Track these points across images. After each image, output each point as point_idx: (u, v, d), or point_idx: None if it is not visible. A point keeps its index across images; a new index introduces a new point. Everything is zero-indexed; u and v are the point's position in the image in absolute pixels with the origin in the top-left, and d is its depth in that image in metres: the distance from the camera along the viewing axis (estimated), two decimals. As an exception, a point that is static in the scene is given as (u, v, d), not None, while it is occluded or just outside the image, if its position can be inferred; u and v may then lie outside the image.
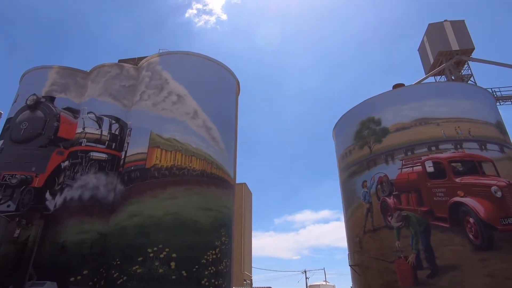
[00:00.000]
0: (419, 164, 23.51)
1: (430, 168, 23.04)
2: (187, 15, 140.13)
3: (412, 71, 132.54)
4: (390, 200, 23.85)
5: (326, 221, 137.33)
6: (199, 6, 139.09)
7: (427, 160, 23.35)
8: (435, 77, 42.03)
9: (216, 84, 30.59)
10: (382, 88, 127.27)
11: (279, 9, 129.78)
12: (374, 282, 23.36)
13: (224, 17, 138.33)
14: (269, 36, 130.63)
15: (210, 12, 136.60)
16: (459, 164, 22.71)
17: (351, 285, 28.20)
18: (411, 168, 23.70)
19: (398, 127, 25.47)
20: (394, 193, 23.87)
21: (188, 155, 26.06)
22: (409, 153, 24.24)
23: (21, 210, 25.41)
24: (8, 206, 25.44)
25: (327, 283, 39.60)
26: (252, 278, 46.11)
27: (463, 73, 39.78)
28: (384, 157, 25.36)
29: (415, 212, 22.52)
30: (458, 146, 23.29)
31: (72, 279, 22.74)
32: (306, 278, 64.06)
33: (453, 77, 39.15)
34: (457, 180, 22.14)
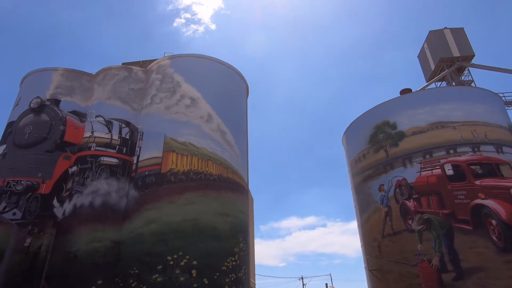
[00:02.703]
0: (438, 167, 23.70)
1: (449, 171, 23.25)
2: (175, 24, 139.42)
3: (397, 82, 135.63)
4: (410, 203, 23.89)
5: (312, 227, 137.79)
6: (188, 15, 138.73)
7: (446, 163, 23.57)
8: (436, 83, 42.91)
9: (228, 88, 30.21)
10: (368, 97, 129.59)
11: (266, 19, 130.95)
12: (395, 286, 23.22)
13: (213, 26, 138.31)
14: (256, 46, 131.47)
15: (198, 22, 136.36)
16: (478, 166, 23.01)
17: (367, 290, 28.04)
18: (431, 171, 23.86)
19: (415, 130, 25.69)
20: (413, 196, 23.94)
21: (205, 159, 25.46)
22: (428, 156, 24.43)
23: (27, 218, 24.12)
24: (14, 214, 24.12)
25: (334, 289, 39.38)
26: (255, 284, 45.37)
27: (463, 79, 40.76)
28: (401, 161, 25.47)
29: (436, 214, 22.61)
30: (476, 149, 23.64)
31: (85, 289, 21.65)
32: (303, 284, 63.68)
33: (454, 83, 40.06)
34: (477, 182, 22.40)
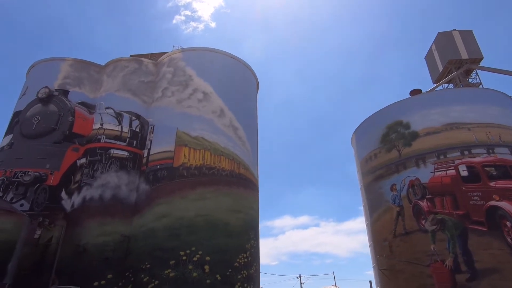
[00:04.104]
0: (453, 168, 23.66)
1: (464, 172, 23.22)
2: (174, 21, 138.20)
3: (396, 84, 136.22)
4: (423, 204, 23.84)
5: (305, 226, 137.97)
6: (188, 12, 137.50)
7: (461, 164, 23.55)
8: (443, 85, 42.98)
9: (240, 83, 29.91)
10: (367, 99, 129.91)
11: (266, 19, 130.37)
12: (407, 286, 23.18)
13: (213, 25, 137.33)
14: (256, 45, 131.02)
15: (198, 19, 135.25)
16: (493, 168, 23.02)
17: (376, 289, 28.00)
18: (445, 172, 23.82)
19: (429, 131, 25.63)
20: (427, 196, 23.88)
21: (217, 154, 25.15)
22: (442, 157, 24.38)
23: (35, 210, 23.61)
24: (22, 205, 23.60)
25: (337, 287, 39.38)
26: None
27: (471, 82, 40.88)
28: (414, 161, 25.41)
29: (450, 215, 22.58)
30: (490, 151, 23.65)
31: (95, 283, 21.24)
32: (301, 283, 63.72)
33: (461, 85, 40.14)
34: (492, 184, 22.41)
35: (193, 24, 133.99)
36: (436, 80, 42.87)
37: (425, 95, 28.71)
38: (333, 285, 40.57)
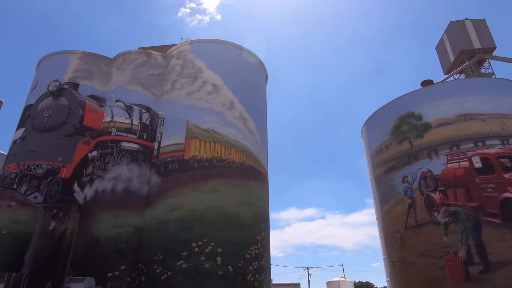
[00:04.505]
0: (466, 159, 23.35)
1: (477, 164, 22.92)
2: (179, 14, 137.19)
3: (405, 75, 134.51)
4: (436, 196, 23.62)
5: (311, 219, 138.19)
6: (193, 5, 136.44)
7: (474, 155, 23.22)
8: (454, 75, 42.26)
9: (249, 74, 29.69)
10: (375, 92, 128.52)
11: (272, 11, 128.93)
12: (418, 278, 23.12)
13: (218, 17, 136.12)
14: (261, 37, 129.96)
15: (204, 12, 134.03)
16: (507, 160, 22.68)
17: (387, 280, 27.99)
18: (458, 164, 23.52)
19: (441, 122, 25.26)
20: (439, 188, 23.65)
21: (228, 146, 25.12)
22: (455, 148, 24.06)
23: (49, 202, 23.91)
24: (35, 197, 23.91)
25: (346, 279, 39.48)
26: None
27: (483, 72, 40.10)
28: (427, 152, 25.12)
29: (463, 207, 22.36)
30: (505, 142, 23.27)
31: (109, 274, 21.53)
32: (308, 274, 64.10)
33: (473, 76, 39.41)
34: (506, 175, 22.10)
35: (199, 16, 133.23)
36: (447, 70, 42.14)
37: (438, 85, 28.27)
38: (342, 277, 40.69)
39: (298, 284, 42.17)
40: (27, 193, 23.84)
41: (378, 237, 29.62)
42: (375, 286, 66.37)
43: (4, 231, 16.90)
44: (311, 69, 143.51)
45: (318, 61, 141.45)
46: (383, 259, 28.53)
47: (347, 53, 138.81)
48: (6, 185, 21.65)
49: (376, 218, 30.06)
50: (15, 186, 23.54)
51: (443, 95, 26.37)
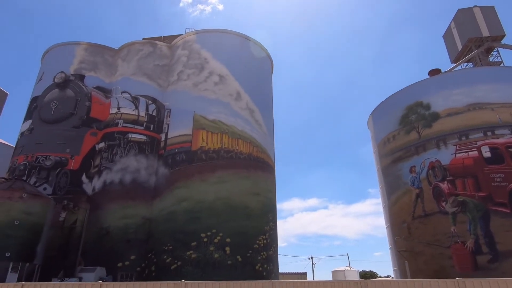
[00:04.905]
0: (475, 149, 23.22)
1: (486, 153, 22.78)
2: (181, 4, 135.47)
3: (406, 65, 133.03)
4: (444, 185, 23.57)
5: (314, 209, 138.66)
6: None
7: (484, 145, 23.07)
8: (462, 64, 41.69)
9: (255, 64, 29.44)
10: (378, 82, 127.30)
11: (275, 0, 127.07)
12: (426, 267, 23.23)
13: (220, 7, 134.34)
14: (264, 27, 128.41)
15: (205, 2, 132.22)
16: (517, 149, 22.50)
17: (393, 270, 28.19)
18: (466, 153, 23.40)
19: (450, 112, 25.04)
20: (448, 178, 23.58)
21: (235, 137, 25.09)
22: (463, 138, 23.90)
23: (58, 193, 24.09)
24: (45, 189, 24.07)
25: (351, 268, 39.79)
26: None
27: (491, 60, 39.52)
28: (435, 142, 24.98)
29: (472, 197, 22.31)
30: (515, 132, 23.06)
31: (119, 264, 21.82)
32: (312, 264, 64.63)
33: (481, 64, 38.87)
34: (516, 165, 21.96)
35: (200, 6, 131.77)
36: (455, 59, 41.53)
37: (447, 74, 27.94)
38: (347, 266, 40.98)
39: (305, 274, 42.62)
40: (36, 185, 23.99)
41: (381, 227, 29.78)
42: (379, 275, 66.90)
43: (17, 222, 17.08)
44: (315, 59, 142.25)
45: (322, 51, 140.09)
46: (390, 248, 28.68)
47: (351, 43, 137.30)
48: (16, 177, 21.77)
49: (383, 208, 30.11)
50: (24, 178, 23.70)
51: (452, 84, 26.08)
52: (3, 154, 31.97)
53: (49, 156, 25.31)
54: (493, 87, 24.62)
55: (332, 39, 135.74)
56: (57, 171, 24.96)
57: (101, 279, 20.08)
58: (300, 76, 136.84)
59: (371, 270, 69.15)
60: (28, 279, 17.60)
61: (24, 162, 25.19)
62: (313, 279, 45.63)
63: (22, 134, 27.34)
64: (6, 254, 16.42)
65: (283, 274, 40.36)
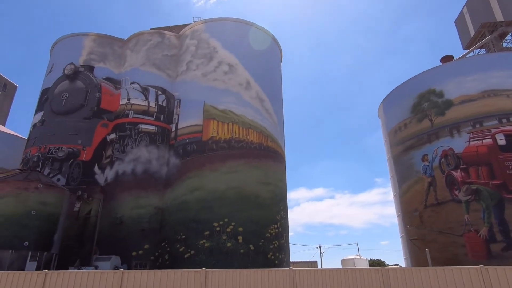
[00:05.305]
0: (489, 136, 22.87)
1: (501, 141, 22.43)
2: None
3: (415, 53, 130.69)
4: (457, 174, 23.33)
5: (320, 198, 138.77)
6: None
7: (498, 132, 22.71)
8: (474, 51, 40.81)
9: (264, 53, 29.12)
10: (386, 71, 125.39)
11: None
12: (439, 256, 23.17)
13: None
14: (269, 16, 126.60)
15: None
16: (533, 136, 22.12)
17: (404, 258, 28.21)
18: (481, 141, 23.06)
19: (464, 99, 24.62)
20: (461, 166, 23.32)
21: (245, 127, 25.02)
22: (477, 126, 23.53)
23: (71, 184, 24.38)
24: (58, 180, 24.36)
25: (361, 257, 39.96)
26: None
27: (505, 46, 38.62)
28: (448, 130, 24.64)
29: (486, 185, 22.08)
30: (531, 119, 22.63)
31: (133, 253, 22.15)
32: (320, 252, 65.08)
33: (495, 50, 37.99)
34: (531, 153, 21.60)
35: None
36: (467, 45, 40.66)
37: (461, 61, 27.36)
38: (356, 255, 41.10)
39: (315, 262, 42.93)
40: (50, 176, 24.30)
41: (387, 216, 29.74)
42: (387, 263, 67.20)
43: (34, 212, 17.35)
44: (321, 48, 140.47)
45: (329, 39, 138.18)
46: (401, 237, 28.65)
47: (358, 31, 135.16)
48: (31, 168, 22.04)
49: (394, 197, 29.98)
50: (38, 169, 23.98)
51: (466, 71, 25.56)
52: (15, 146, 32.30)
53: (62, 147, 25.56)
54: (508, 73, 24.08)
55: (339, 29, 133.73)
56: (69, 162, 25.22)
57: (116, 267, 20.41)
58: (306, 66, 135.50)
59: (379, 258, 69.47)
60: (46, 267, 17.96)
61: (37, 154, 25.48)
62: (321, 267, 45.92)
63: (34, 126, 27.59)
64: (24, 244, 16.74)
65: (293, 262, 40.67)
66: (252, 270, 9.91)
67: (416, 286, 8.93)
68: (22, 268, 16.50)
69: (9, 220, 16.76)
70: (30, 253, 16.79)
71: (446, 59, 32.22)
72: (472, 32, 39.96)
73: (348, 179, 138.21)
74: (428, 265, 19.10)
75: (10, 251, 16.27)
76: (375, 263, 65.46)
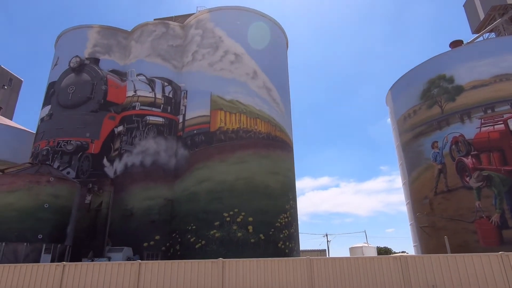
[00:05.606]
0: (501, 122, 22.51)
1: (514, 126, 22.06)
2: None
3: (419, 40, 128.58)
4: (468, 160, 23.07)
5: (325, 187, 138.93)
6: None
7: (511, 118, 22.33)
8: (484, 35, 39.96)
9: (270, 42, 28.72)
10: (391, 58, 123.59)
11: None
12: (449, 242, 23.08)
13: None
14: (272, 3, 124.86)
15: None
16: (546, 121, 21.73)
17: (414, 245, 28.22)
18: (492, 127, 22.72)
19: (475, 84, 24.17)
20: (472, 153, 23.04)
21: (253, 117, 24.87)
22: (489, 111, 23.16)
23: (81, 177, 24.53)
24: (68, 173, 24.52)
25: (369, 245, 40.13)
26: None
27: (515, 29, 37.72)
28: (459, 116, 24.29)
29: (498, 171, 21.83)
30: (544, 103, 22.20)
31: (145, 244, 22.35)
32: (327, 241, 65.47)
33: (506, 34, 37.17)
34: (545, 138, 21.25)
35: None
36: (476, 29, 39.80)
37: (471, 45, 26.79)
38: (364, 243, 41.34)
39: (324, 250, 43.23)
40: (60, 169, 24.44)
41: (392, 204, 29.64)
42: (393, 251, 67.52)
43: (46, 205, 17.48)
44: (325, 35, 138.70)
45: (333, 26, 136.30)
46: (410, 224, 28.60)
47: (362, 16, 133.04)
48: (41, 162, 22.17)
49: (403, 184, 29.83)
50: (48, 162, 24.11)
51: (477, 55, 25.04)
52: (23, 140, 32.56)
53: (70, 140, 25.64)
54: (522, 57, 23.55)
55: (342, 15, 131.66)
56: (78, 155, 25.33)
57: (129, 258, 20.66)
58: (310, 54, 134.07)
59: (386, 246, 69.80)
60: (60, 259, 18.18)
61: (46, 147, 25.59)
62: (328, 256, 46.20)
63: (42, 119, 27.66)
64: (38, 236, 16.91)
65: (302, 251, 40.95)
66: (269, 259, 9.91)
67: (435, 274, 8.87)
68: (37, 260, 16.70)
69: (22, 213, 16.91)
70: (44, 246, 16.97)
71: (456, 43, 31.58)
72: (482, 16, 39.10)
73: (353, 167, 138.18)
74: (446, 252, 19.06)
75: (25, 243, 16.46)
76: (382, 251, 65.81)
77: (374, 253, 39.20)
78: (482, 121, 23.25)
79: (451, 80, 25.36)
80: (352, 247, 40.03)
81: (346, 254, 42.17)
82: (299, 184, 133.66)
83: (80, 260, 18.90)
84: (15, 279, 10.17)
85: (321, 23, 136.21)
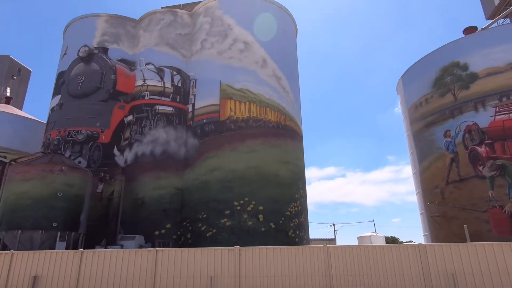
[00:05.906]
0: (517, 110, 22.04)
1: (530, 115, 21.59)
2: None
3: (430, 27, 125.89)
4: (482, 149, 22.71)
5: (331, 177, 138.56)
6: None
7: (527, 106, 21.85)
8: (498, 21, 38.93)
9: (279, 29, 28.31)
10: (398, 46, 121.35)
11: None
12: (461, 232, 22.87)
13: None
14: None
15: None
16: None
17: (424, 235, 28.13)
18: (507, 115, 22.25)
19: (490, 71, 23.61)
20: (486, 141, 22.66)
21: (263, 106, 24.70)
22: (504, 99, 22.66)
23: (92, 166, 24.72)
24: (79, 162, 24.71)
25: (377, 234, 40.18)
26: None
27: (531, 15, 36.66)
28: (472, 104, 23.82)
29: (512, 160, 21.48)
30: (562, 90, 21.64)
31: (156, 232, 22.59)
32: (334, 230, 65.65)
33: (520, 20, 36.14)
34: (562, 126, 20.78)
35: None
36: (490, 15, 38.77)
37: (485, 32, 26.09)
38: (373, 232, 41.38)
39: (334, 240, 43.44)
40: (71, 158, 24.64)
41: (398, 193, 29.47)
42: (401, 240, 67.61)
43: (60, 194, 17.68)
44: (334, 22, 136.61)
45: (342, 12, 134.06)
46: (420, 214, 28.46)
47: (373, 3, 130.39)
48: (53, 151, 22.35)
49: (413, 174, 29.58)
50: (60, 152, 24.31)
51: (492, 42, 24.38)
52: (34, 129, 32.86)
53: (81, 130, 25.79)
54: (539, 43, 22.89)
55: (352, 1, 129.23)
56: (89, 144, 25.50)
57: (141, 246, 20.93)
58: (318, 42, 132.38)
59: (392, 235, 69.88)
60: (75, 247, 18.50)
61: (57, 137, 25.80)
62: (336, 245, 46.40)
63: (52, 109, 27.82)
64: (53, 224, 17.16)
65: (312, 240, 41.14)
66: (285, 247, 9.92)
67: (454, 262, 8.80)
68: (52, 247, 16.98)
69: (37, 201, 17.13)
70: (59, 233, 17.23)
71: (470, 30, 30.80)
72: (497, 1, 38.04)
73: (360, 157, 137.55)
74: (466, 241, 18.96)
75: (40, 231, 16.71)
76: (389, 240, 65.91)
77: (382, 243, 39.24)
78: (497, 109, 22.78)
79: (465, 67, 24.80)
80: (360, 236, 40.09)
81: (355, 243, 42.20)
82: (306, 174, 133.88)
83: (93, 248, 19.20)
84: (34, 265, 10.34)
85: (329, 10, 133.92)
